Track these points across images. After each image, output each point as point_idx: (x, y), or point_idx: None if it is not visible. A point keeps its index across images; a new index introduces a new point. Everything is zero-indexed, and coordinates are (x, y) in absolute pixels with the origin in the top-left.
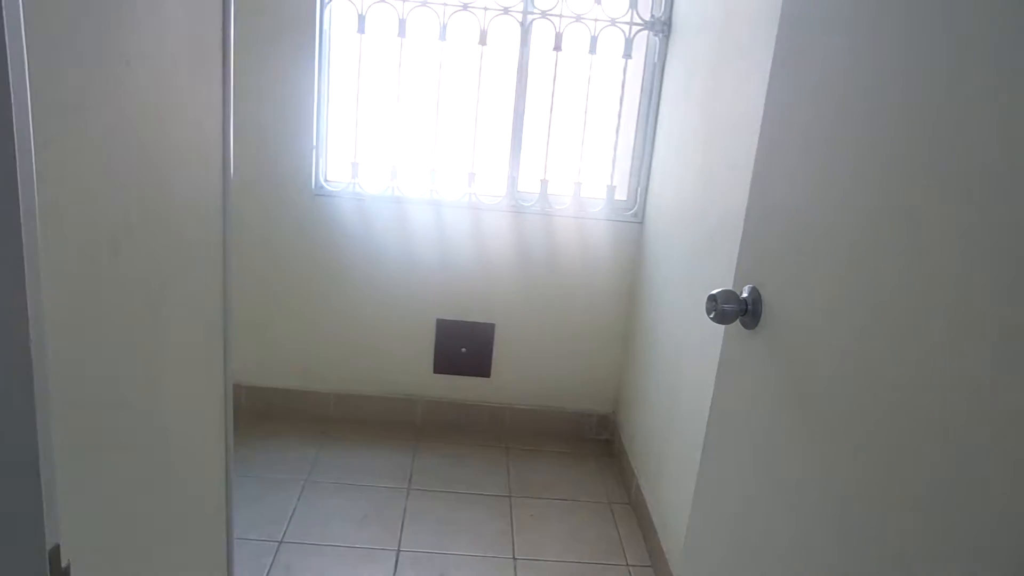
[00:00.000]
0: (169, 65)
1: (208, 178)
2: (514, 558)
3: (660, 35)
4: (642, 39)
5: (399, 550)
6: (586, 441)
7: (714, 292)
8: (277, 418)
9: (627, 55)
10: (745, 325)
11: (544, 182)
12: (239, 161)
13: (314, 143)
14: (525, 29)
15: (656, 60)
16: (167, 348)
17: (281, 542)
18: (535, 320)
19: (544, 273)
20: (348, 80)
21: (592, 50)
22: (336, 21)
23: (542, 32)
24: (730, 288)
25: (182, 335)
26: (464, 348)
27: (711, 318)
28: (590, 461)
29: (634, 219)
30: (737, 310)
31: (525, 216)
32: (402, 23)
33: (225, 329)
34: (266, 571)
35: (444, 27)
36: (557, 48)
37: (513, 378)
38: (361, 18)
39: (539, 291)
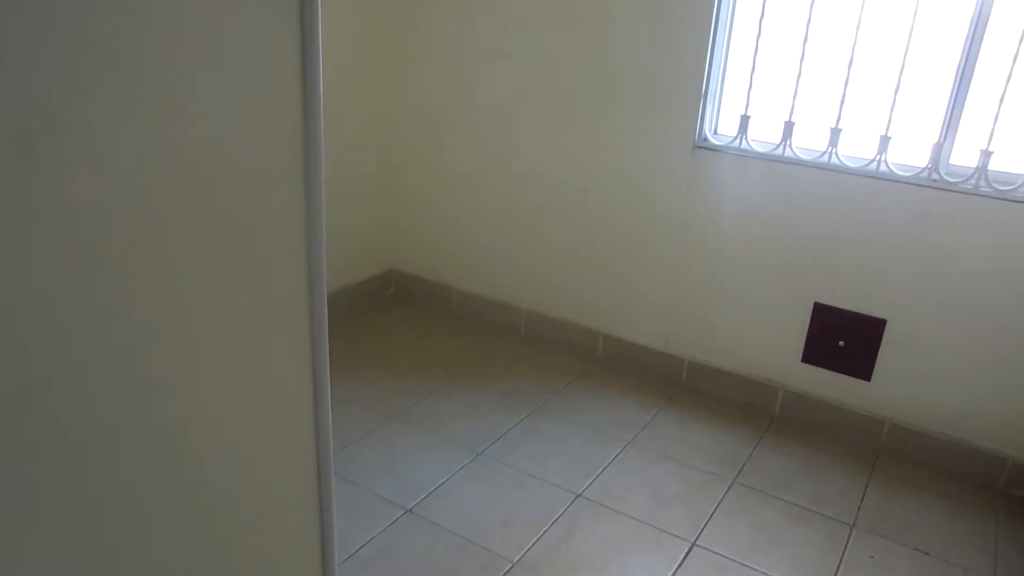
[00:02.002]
0: None
1: (266, 110)
2: None
3: None
4: None
5: (694, 543)
6: (989, 491)
7: None
8: (630, 373)
9: None
10: None
11: (986, 154)
12: (615, 110)
13: (703, 90)
14: None
15: None
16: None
17: (579, 496)
18: (943, 325)
19: (967, 270)
20: (749, 20)
21: None
22: None
23: None
24: None
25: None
26: (843, 341)
27: None
28: (986, 518)
29: None
30: None
31: (952, 196)
32: None
33: (310, 275)
34: (553, 519)
35: None
36: None
37: (901, 388)
38: None
39: (956, 291)
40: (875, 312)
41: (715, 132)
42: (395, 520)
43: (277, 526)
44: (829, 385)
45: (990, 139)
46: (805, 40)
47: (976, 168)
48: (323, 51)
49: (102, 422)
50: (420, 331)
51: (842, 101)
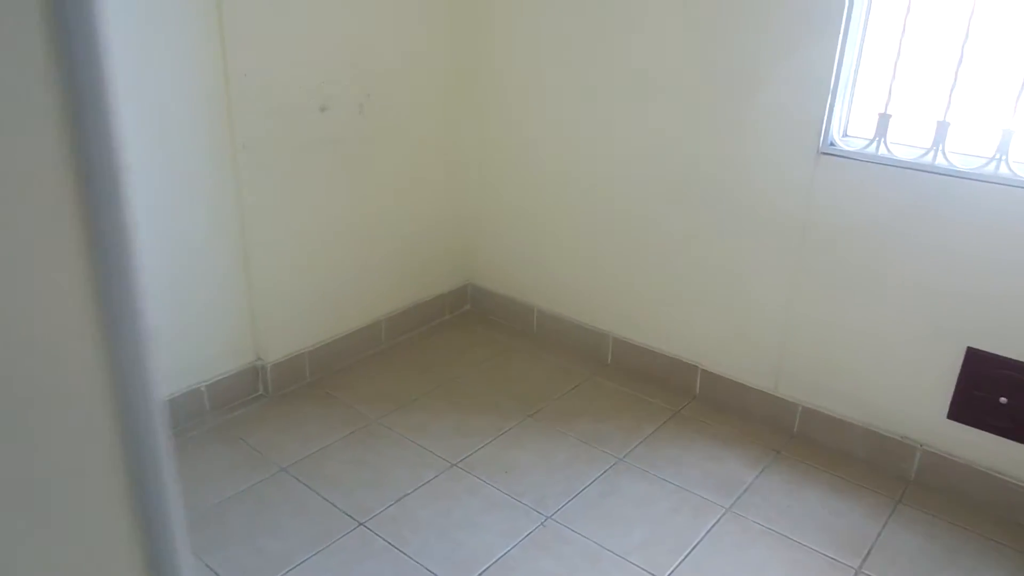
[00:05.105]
0: None
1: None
2: None
3: None
4: None
5: None
6: None
7: None
8: (732, 418)
9: None
10: None
11: None
12: (725, 103)
13: (832, 84)
14: None
15: None
16: None
17: None
18: None
19: None
20: None
21: None
22: None
23: None
24: None
25: None
26: (1005, 397)
27: None
28: None
29: None
30: None
31: None
32: None
33: None
34: None
35: None
36: None
37: None
38: None
39: None
40: None
41: (844, 135)
42: None
43: None
44: (984, 450)
45: None
46: (966, 22)
47: None
48: (393, 41)
49: None
50: (495, 355)
51: (1012, 97)
